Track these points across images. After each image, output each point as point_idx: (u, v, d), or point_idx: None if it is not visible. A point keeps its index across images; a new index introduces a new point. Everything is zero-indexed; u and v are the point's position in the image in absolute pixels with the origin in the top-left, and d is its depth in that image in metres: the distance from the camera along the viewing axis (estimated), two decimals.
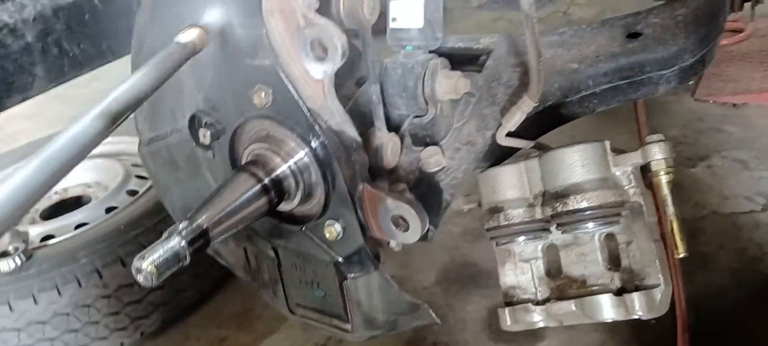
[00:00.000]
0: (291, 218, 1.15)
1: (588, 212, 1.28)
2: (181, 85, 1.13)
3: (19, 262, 2.29)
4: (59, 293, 2.25)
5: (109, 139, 3.33)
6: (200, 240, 0.95)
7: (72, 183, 3.01)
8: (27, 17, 1.75)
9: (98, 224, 2.55)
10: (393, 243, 1.14)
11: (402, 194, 1.14)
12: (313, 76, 1.03)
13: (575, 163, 1.29)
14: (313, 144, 1.05)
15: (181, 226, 0.94)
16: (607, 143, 1.32)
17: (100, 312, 2.27)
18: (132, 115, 1.08)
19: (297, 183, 1.08)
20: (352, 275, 1.16)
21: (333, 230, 1.10)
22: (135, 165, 2.93)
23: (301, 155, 1.06)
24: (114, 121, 0.87)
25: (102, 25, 1.91)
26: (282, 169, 1.07)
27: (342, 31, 1.01)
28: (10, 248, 2.37)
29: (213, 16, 1.03)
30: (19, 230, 2.59)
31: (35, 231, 2.60)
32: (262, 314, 2.43)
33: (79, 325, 2.25)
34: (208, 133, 1.13)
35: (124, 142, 3.02)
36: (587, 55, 1.45)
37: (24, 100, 1.78)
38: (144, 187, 2.75)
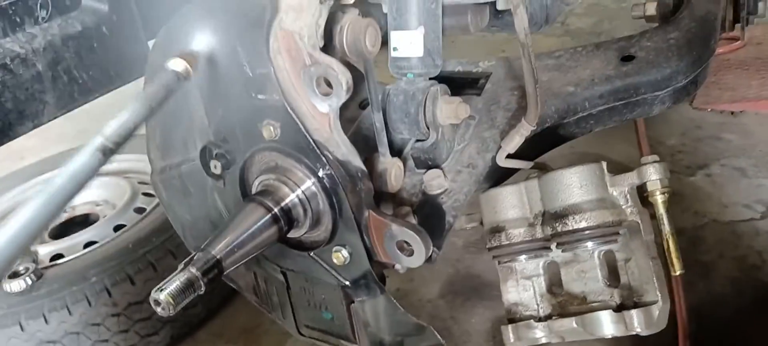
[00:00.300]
0: (299, 244, 1.19)
1: (587, 232, 1.32)
2: (193, 118, 1.17)
3: (29, 282, 2.33)
4: (70, 312, 2.29)
5: (117, 157, 3.36)
6: (214, 270, 0.99)
7: (80, 202, 3.04)
8: (37, 47, 1.80)
9: (107, 242, 2.59)
10: (398, 266, 1.19)
11: (406, 219, 1.18)
12: (320, 111, 1.07)
13: (573, 184, 1.34)
14: (321, 174, 1.10)
15: (195, 257, 0.98)
16: (604, 164, 1.36)
17: (110, 330, 2.30)
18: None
19: (305, 211, 1.12)
20: (359, 298, 1.20)
21: (340, 255, 1.15)
22: (142, 183, 2.97)
23: (309, 185, 1.11)
24: (110, 153, 0.93)
25: (110, 52, 1.95)
26: (291, 198, 1.11)
27: (346, 67, 1.05)
28: (21, 268, 2.41)
29: (222, 54, 1.08)
30: (28, 250, 2.63)
31: (45, 250, 2.64)
32: (269, 329, 2.47)
33: (90, 343, 2.29)
34: (219, 163, 1.18)
35: (130, 160, 3.06)
36: (583, 78, 1.49)
37: (35, 127, 1.82)
38: (151, 204, 2.79)
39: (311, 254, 1.17)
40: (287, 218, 1.11)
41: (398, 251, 1.12)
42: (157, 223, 2.55)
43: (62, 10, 1.87)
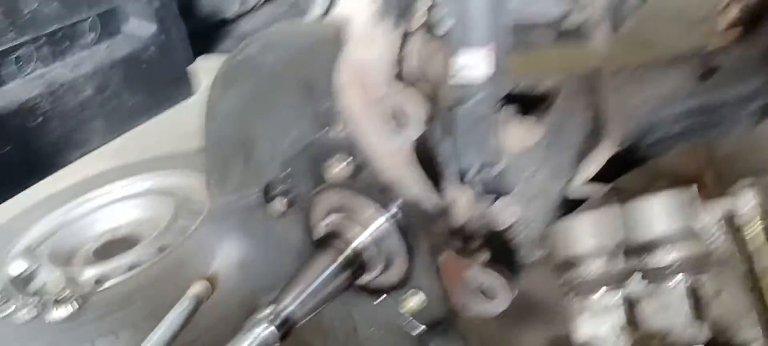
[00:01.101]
0: (370, 289, 1.11)
1: (676, 264, 1.22)
2: (256, 154, 1.10)
3: (75, 307, 2.29)
4: (117, 337, 2.25)
5: (159, 173, 3.30)
6: (287, 324, 0.92)
7: (122, 222, 3.02)
8: (85, 73, 1.75)
9: (151, 264, 2.55)
10: (474, 310, 1.10)
11: (480, 258, 1.10)
12: (393, 146, 0.99)
13: (661, 212, 1.23)
14: (393, 212, 1.02)
15: (267, 311, 0.91)
16: (695, 188, 1.26)
17: None
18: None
19: (378, 254, 1.04)
20: (433, 344, 1.12)
21: (415, 300, 1.07)
22: (186, 199, 2.92)
23: (382, 225, 1.03)
24: None
25: (157, 75, 1.90)
26: (362, 240, 1.03)
27: (422, 97, 0.97)
28: (65, 294, 2.38)
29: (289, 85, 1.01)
30: (72, 273, 2.60)
31: (88, 274, 2.61)
32: None
33: None
34: (283, 201, 1.10)
35: (173, 175, 3.01)
36: (663, 93, 1.39)
37: (83, 155, 1.78)
38: (196, 222, 2.74)
39: (383, 298, 1.10)
40: (358, 261, 1.03)
41: (478, 297, 1.03)
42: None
43: (111, 32, 1.82)
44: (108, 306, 2.31)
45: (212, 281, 0.89)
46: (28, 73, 1.66)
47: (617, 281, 1.32)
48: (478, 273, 1.01)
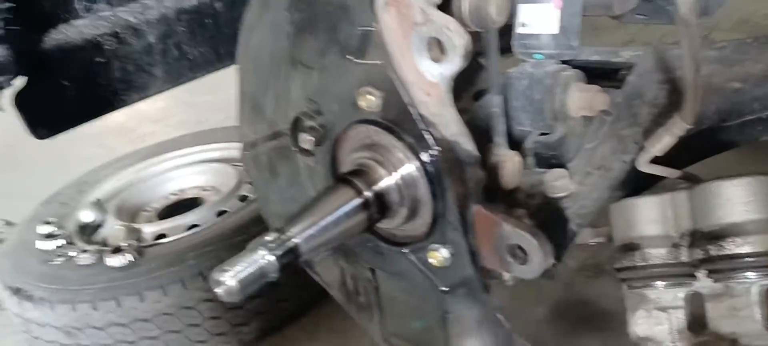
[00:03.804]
0: (392, 238, 1.03)
1: (749, 259, 1.07)
2: (287, 86, 1.04)
3: (130, 259, 2.34)
4: (165, 292, 2.27)
5: (224, 145, 3.35)
6: (290, 255, 0.85)
7: (189, 185, 3.07)
8: (150, 18, 1.77)
9: (208, 226, 2.57)
10: (506, 276, 0.99)
11: (522, 221, 0.99)
12: (429, 80, 0.90)
13: (736, 199, 1.09)
14: (423, 156, 0.93)
15: (269, 238, 0.84)
16: None
17: (202, 315, 2.26)
18: None
19: (402, 199, 0.96)
20: (458, 308, 1.02)
21: (439, 255, 0.97)
22: None
23: (409, 168, 0.94)
24: None
25: (222, 29, 1.90)
26: (386, 182, 0.95)
27: (465, 30, 0.88)
28: (124, 245, 2.43)
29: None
30: (134, 227, 2.66)
31: (150, 229, 2.66)
32: (361, 338, 2.33)
33: (181, 326, 2.26)
34: (311, 138, 1.04)
35: (238, 147, 3.04)
36: (753, 73, 1.24)
37: (141, 99, 1.79)
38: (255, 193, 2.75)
39: (404, 250, 1.00)
40: (380, 205, 0.95)
41: (510, 257, 0.92)
42: (259, 212, 2.49)
43: None
44: (160, 261, 2.34)
45: None
46: (95, 13, 1.69)
47: (679, 276, 1.18)
48: (512, 231, 0.90)
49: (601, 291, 2.38)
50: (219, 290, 0.81)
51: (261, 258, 0.82)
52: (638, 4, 1.27)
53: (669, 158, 1.19)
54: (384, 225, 0.98)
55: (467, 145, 0.94)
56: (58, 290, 2.29)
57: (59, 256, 2.47)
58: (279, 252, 0.84)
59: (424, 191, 0.94)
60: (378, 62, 0.91)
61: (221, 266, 0.80)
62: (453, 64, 0.88)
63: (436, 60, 0.89)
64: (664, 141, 1.13)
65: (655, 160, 1.18)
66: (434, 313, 1.06)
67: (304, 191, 1.11)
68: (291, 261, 0.85)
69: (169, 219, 2.75)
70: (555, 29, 1.15)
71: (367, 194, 0.94)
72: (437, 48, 0.89)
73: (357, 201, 0.93)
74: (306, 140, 1.05)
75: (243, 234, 2.40)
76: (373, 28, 0.90)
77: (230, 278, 0.80)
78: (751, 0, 4.49)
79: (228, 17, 1.91)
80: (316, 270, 1.25)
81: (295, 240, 0.86)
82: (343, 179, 0.95)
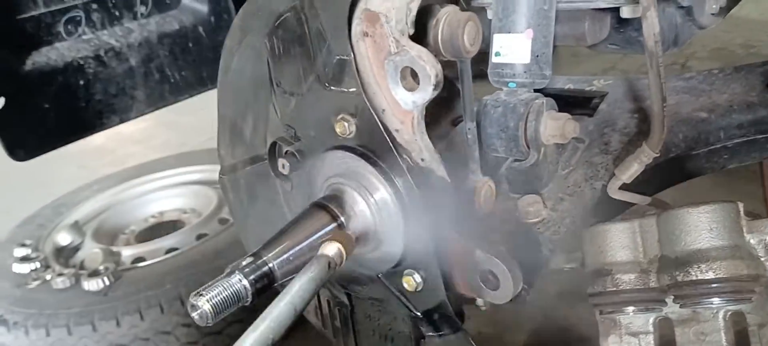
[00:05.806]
0: (366, 263, 1.04)
1: (714, 285, 1.09)
2: (266, 111, 1.06)
3: (107, 282, 2.33)
4: (142, 317, 2.25)
5: (205, 167, 3.36)
6: (264, 280, 0.86)
7: (168, 208, 3.07)
8: (133, 42, 1.79)
9: (187, 250, 2.56)
10: (480, 301, 1.01)
11: (493, 246, 1.01)
12: (402, 108, 0.93)
13: (702, 226, 1.11)
14: (397, 182, 0.94)
15: (244, 262, 0.85)
16: (741, 206, 1.12)
17: (179, 340, 2.24)
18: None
19: (374, 225, 0.97)
20: (431, 333, 1.03)
21: (412, 280, 0.98)
22: None
23: (382, 193, 0.96)
24: None
25: (204, 53, 1.92)
26: (360, 206, 0.96)
27: (437, 60, 0.90)
28: (101, 268, 2.41)
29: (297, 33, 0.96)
30: (112, 250, 2.65)
31: (128, 252, 2.65)
32: None
33: None
34: (288, 163, 1.05)
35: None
36: (719, 103, 1.27)
37: (122, 122, 1.80)
38: None
39: (378, 275, 1.02)
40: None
41: (481, 283, 0.94)
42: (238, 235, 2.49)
43: (162, 7, 1.86)
44: (138, 285, 2.33)
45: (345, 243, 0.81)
46: (78, 36, 1.71)
47: (649, 301, 1.19)
48: (483, 257, 0.92)
49: (580, 318, 2.40)
50: (194, 315, 0.81)
51: (237, 282, 0.83)
52: (610, 34, 1.31)
53: (639, 185, 1.22)
54: (359, 250, 1.00)
55: (440, 171, 0.96)
56: (33, 315, 2.26)
57: (35, 279, 2.45)
58: (253, 277, 0.85)
59: (396, 218, 0.96)
60: (353, 90, 0.93)
61: (198, 290, 0.81)
62: (426, 92, 0.90)
63: (409, 89, 0.91)
64: (632, 169, 1.16)
65: (626, 187, 1.21)
66: (408, 338, 1.06)
67: (282, 215, 1.12)
68: (266, 286, 0.86)
69: (148, 242, 2.74)
70: (527, 59, 1.18)
71: (342, 218, 0.95)
72: (411, 77, 0.92)
73: (332, 226, 0.94)
74: (283, 165, 1.06)
75: (222, 258, 2.40)
76: (348, 57, 0.92)
77: (205, 302, 0.80)
78: (727, 29, 4.59)
79: (210, 42, 1.93)
80: None
81: (270, 265, 0.87)
82: (318, 204, 0.96)
